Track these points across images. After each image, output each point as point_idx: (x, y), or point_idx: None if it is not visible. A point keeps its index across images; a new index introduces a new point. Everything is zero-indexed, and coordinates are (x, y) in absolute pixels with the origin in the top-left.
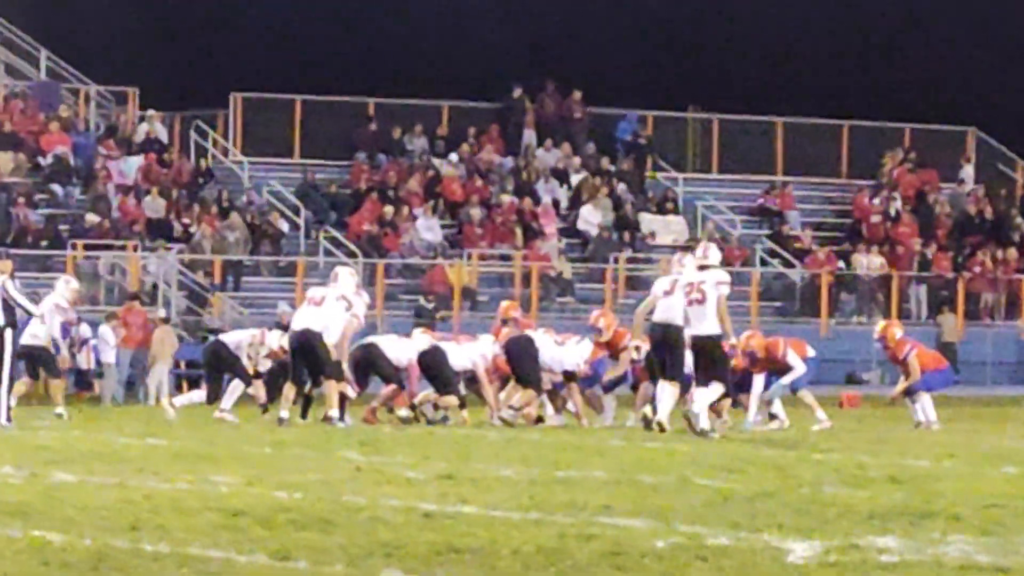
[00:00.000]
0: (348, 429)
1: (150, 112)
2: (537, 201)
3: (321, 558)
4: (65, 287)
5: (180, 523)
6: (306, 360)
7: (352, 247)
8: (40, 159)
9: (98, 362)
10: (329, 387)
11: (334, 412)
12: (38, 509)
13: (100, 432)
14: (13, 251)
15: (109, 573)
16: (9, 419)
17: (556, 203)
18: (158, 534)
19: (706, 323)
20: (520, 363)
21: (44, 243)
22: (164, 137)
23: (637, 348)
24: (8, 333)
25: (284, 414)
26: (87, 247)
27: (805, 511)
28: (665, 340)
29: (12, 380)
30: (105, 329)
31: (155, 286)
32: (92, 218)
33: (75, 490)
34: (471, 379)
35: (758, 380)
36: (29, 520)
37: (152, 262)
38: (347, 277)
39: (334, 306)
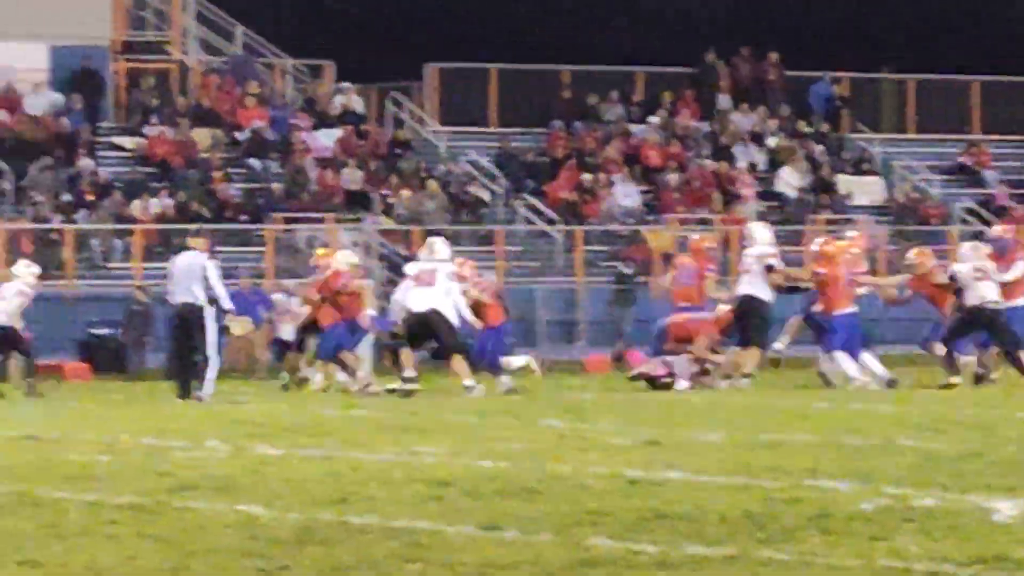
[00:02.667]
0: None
1: (346, 84)
2: (734, 164)
3: (528, 527)
4: (26, 271)
5: (386, 495)
6: (433, 337)
7: (551, 214)
8: (237, 134)
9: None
10: (455, 360)
11: (470, 382)
12: (244, 483)
13: (303, 404)
14: (212, 226)
15: (316, 547)
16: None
17: (753, 166)
18: (365, 506)
19: None
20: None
21: (243, 217)
22: (361, 109)
23: None
24: (209, 311)
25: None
26: (286, 220)
27: (1011, 470)
28: None
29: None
30: (279, 297)
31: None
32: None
33: (280, 463)
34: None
35: None
36: (235, 494)
37: (351, 234)
38: (442, 247)
39: (444, 281)
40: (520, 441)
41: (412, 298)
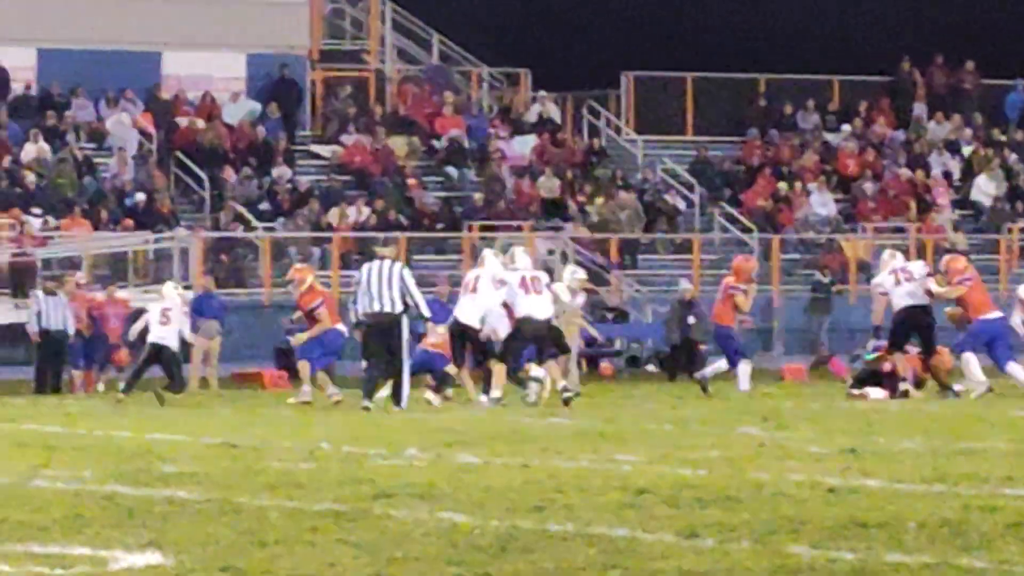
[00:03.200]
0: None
1: (542, 93)
2: (929, 173)
3: (726, 535)
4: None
5: (585, 502)
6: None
7: (746, 223)
8: (434, 142)
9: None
10: (496, 369)
11: (497, 393)
12: (444, 491)
13: (502, 412)
14: (410, 234)
15: (516, 554)
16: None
17: (948, 175)
18: (564, 514)
19: None
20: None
21: (440, 225)
22: (557, 117)
23: None
24: (405, 320)
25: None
26: (482, 228)
27: None
28: None
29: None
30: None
31: (548, 267)
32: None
33: (480, 471)
34: None
35: None
36: (436, 502)
37: (547, 242)
38: (522, 256)
39: (488, 288)
40: (718, 449)
41: (529, 305)
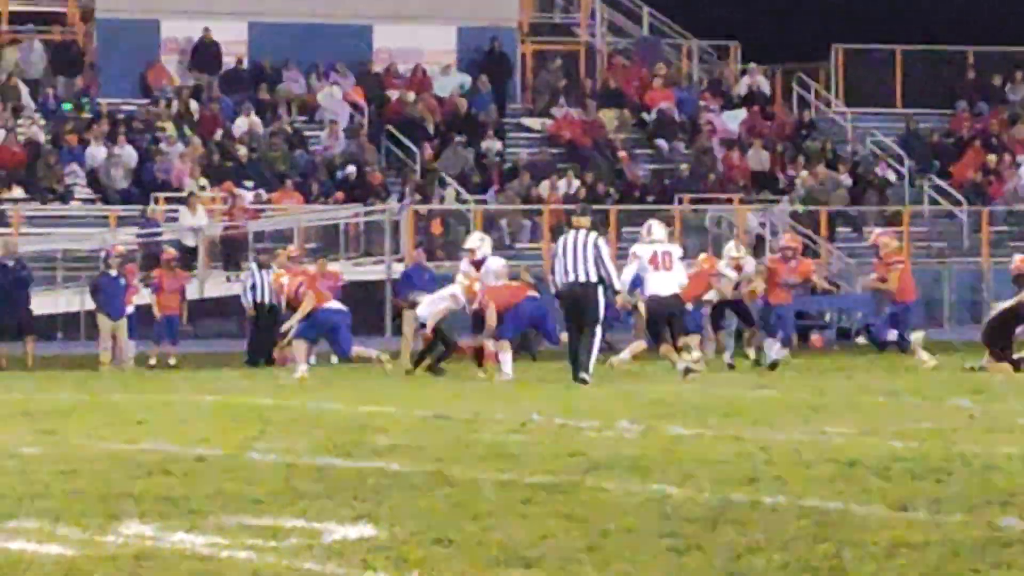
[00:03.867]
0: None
1: (752, 65)
2: None
3: (938, 507)
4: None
5: (796, 474)
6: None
7: (956, 195)
8: (644, 115)
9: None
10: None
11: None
12: (656, 463)
13: (714, 385)
14: (621, 206)
15: (728, 526)
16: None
17: None
18: (776, 486)
19: None
20: None
21: (650, 198)
22: (767, 90)
23: None
24: (600, 290)
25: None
26: (692, 201)
27: None
28: None
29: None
30: None
31: (760, 238)
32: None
33: (691, 443)
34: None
35: None
36: (648, 474)
37: (757, 215)
38: (659, 229)
39: (678, 265)
40: (929, 421)
41: (656, 282)
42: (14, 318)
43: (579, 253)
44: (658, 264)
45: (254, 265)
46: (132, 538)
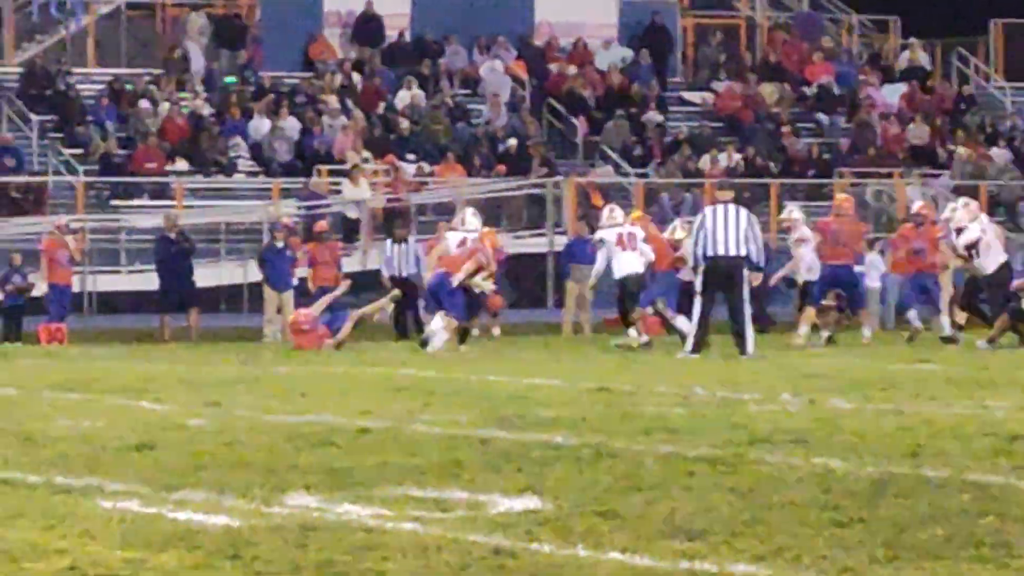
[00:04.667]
0: None
1: (912, 40)
2: None
3: None
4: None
5: (959, 448)
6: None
7: None
8: (805, 89)
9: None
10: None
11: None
12: (817, 436)
13: (870, 359)
14: (783, 180)
15: (891, 499)
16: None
17: None
18: (939, 460)
19: None
20: None
21: (811, 172)
22: (926, 64)
23: None
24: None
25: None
26: (853, 175)
27: None
28: None
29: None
30: (874, 257)
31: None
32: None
33: (853, 417)
34: None
35: None
36: (809, 447)
37: (917, 189)
38: (619, 211)
39: (642, 244)
40: None
41: (625, 262)
42: (178, 290)
43: (729, 227)
44: (624, 245)
45: (388, 240)
46: (297, 509)
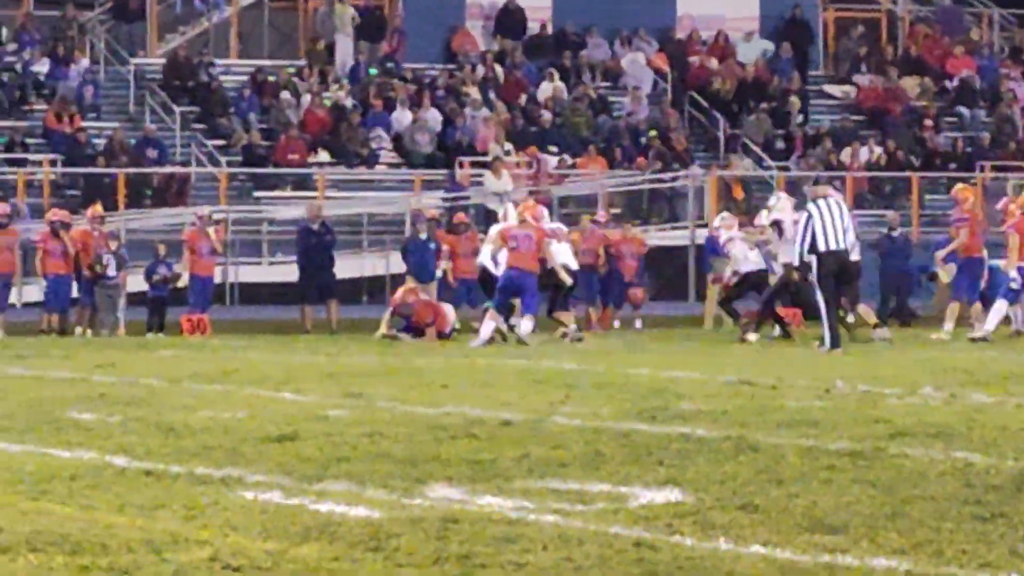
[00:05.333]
0: None
1: None
2: None
3: None
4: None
5: None
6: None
7: None
8: (946, 83)
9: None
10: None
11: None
12: (959, 430)
13: (1013, 352)
14: (924, 174)
15: None
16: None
17: None
18: None
19: None
20: None
21: (952, 165)
22: None
23: None
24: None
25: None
26: (993, 168)
27: None
28: None
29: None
30: None
31: None
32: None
33: (994, 411)
34: None
35: None
36: (951, 441)
37: None
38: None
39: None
40: None
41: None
42: (319, 282)
43: (838, 222)
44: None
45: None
46: (439, 501)
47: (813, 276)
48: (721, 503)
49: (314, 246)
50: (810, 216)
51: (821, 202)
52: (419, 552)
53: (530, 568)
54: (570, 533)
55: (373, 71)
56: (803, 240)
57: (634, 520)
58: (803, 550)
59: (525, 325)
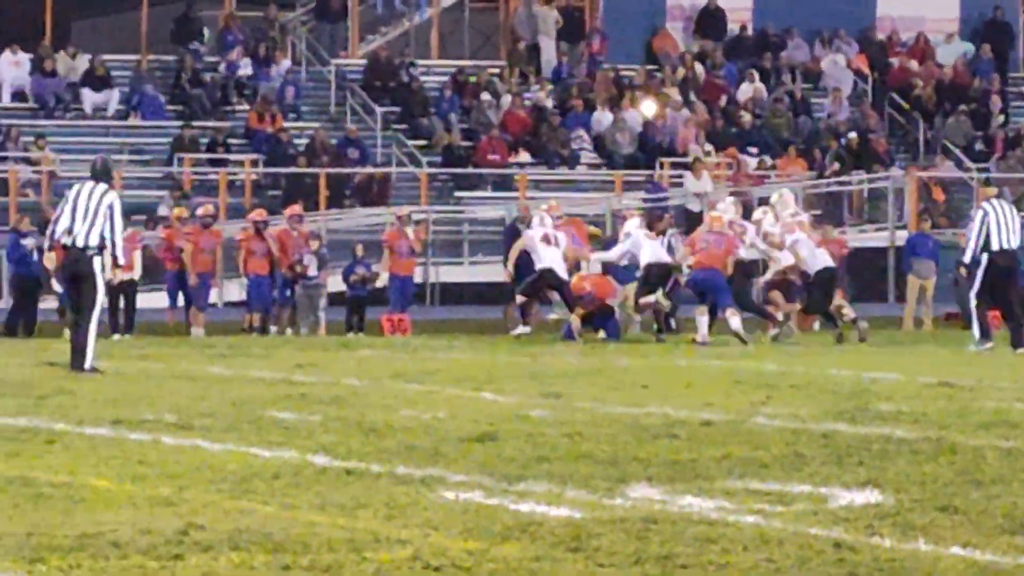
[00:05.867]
0: None
1: None
2: None
3: None
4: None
5: None
6: None
7: None
8: None
9: None
10: None
11: None
12: None
13: None
14: None
15: None
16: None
17: None
18: None
19: None
20: None
21: None
22: None
23: None
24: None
25: None
26: None
27: None
28: None
29: None
30: None
31: None
32: None
33: None
34: None
35: None
36: None
37: None
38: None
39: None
40: None
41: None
42: (520, 281)
43: (1010, 221)
44: (549, 242)
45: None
46: (640, 501)
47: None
48: (921, 504)
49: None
50: (986, 214)
51: (995, 201)
52: (619, 552)
53: (730, 569)
54: (770, 534)
55: (574, 72)
56: (978, 237)
57: (834, 521)
58: (1003, 552)
59: (733, 321)
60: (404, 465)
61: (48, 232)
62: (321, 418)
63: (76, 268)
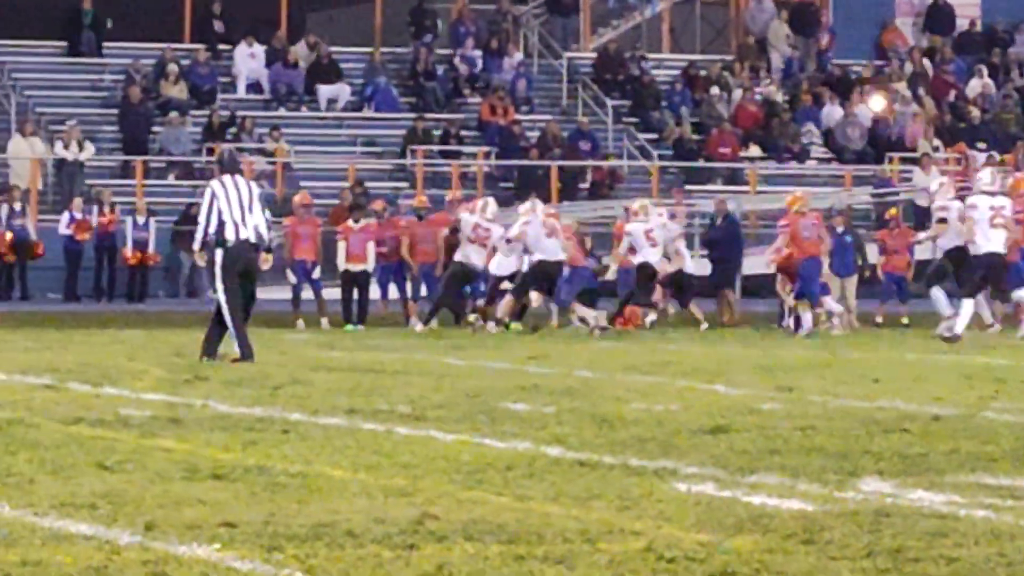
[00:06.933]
0: None
1: None
2: None
3: None
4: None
5: None
6: None
7: None
8: None
9: None
10: None
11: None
12: None
13: None
14: None
15: None
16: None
17: None
18: None
19: None
20: None
21: None
22: None
23: None
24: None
25: None
26: None
27: None
28: None
29: None
30: None
31: None
32: None
33: None
34: None
35: None
36: None
37: None
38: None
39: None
40: None
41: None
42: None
43: None
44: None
45: None
46: (871, 495)
47: None
48: None
49: (720, 239)
50: None
51: None
52: (851, 545)
53: (961, 563)
54: (1001, 528)
55: (805, 66)
56: None
57: None
58: None
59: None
60: (637, 457)
61: (200, 234)
62: (554, 409)
63: (248, 262)
